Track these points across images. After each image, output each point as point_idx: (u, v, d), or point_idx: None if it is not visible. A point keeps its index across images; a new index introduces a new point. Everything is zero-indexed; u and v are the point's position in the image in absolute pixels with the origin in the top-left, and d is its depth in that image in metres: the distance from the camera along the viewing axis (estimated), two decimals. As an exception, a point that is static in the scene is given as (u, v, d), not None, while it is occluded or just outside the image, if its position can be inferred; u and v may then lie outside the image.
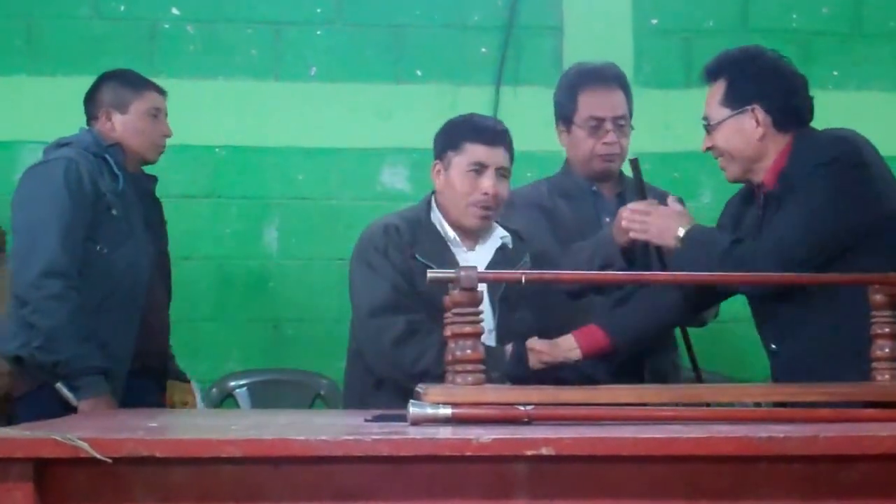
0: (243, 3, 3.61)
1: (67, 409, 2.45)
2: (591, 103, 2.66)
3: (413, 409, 1.51)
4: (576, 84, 2.70)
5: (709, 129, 2.21)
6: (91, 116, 2.79)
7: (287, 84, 3.60)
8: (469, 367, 1.62)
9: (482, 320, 1.67)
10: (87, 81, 3.47)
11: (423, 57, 3.54)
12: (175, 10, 3.59)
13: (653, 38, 3.61)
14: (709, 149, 2.23)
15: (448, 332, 1.65)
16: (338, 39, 3.60)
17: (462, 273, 1.63)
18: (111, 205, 2.62)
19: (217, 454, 1.30)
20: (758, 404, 1.70)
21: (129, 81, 2.79)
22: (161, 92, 2.81)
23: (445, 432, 1.42)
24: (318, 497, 1.34)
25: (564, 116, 2.72)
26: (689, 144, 3.58)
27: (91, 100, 2.81)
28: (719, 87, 2.19)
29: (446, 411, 1.50)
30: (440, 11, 3.60)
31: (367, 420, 1.67)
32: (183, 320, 3.40)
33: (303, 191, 3.54)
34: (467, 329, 1.63)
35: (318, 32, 3.62)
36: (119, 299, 2.60)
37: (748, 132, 2.15)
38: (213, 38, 3.59)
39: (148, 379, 2.70)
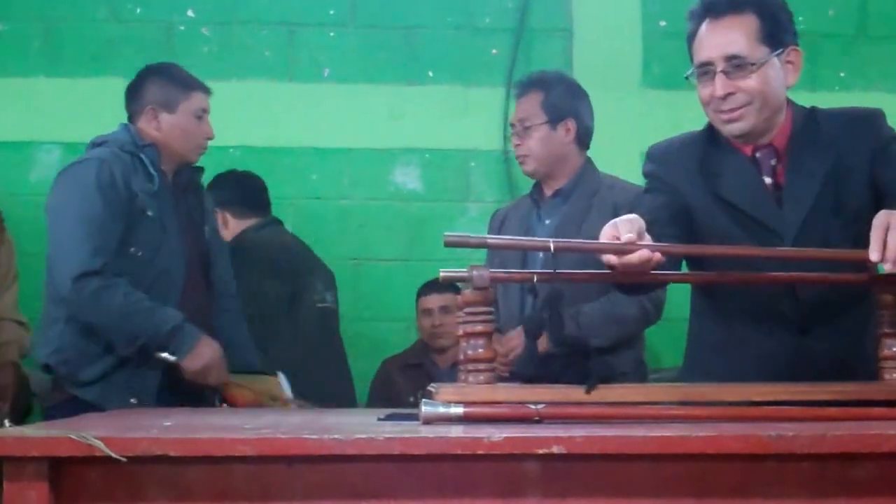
0: (257, 5, 3.63)
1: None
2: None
3: (425, 408, 1.52)
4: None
5: (738, 68, 1.85)
6: (134, 112, 2.72)
7: (300, 85, 3.63)
8: (481, 365, 1.63)
9: (494, 319, 1.68)
10: (104, 83, 3.51)
11: (435, 58, 3.56)
12: (190, 13, 3.62)
13: (661, 40, 3.62)
14: (728, 94, 1.86)
15: (460, 331, 1.66)
16: (350, 41, 3.63)
17: (474, 272, 1.64)
18: (146, 206, 2.57)
19: (231, 453, 1.31)
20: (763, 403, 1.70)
21: (178, 80, 2.71)
22: (207, 91, 2.75)
23: (457, 431, 1.43)
24: (330, 495, 1.35)
25: None
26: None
27: (135, 95, 2.73)
28: (749, 22, 1.85)
29: (458, 410, 1.51)
30: (451, 14, 3.62)
31: (379, 419, 1.68)
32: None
33: (316, 190, 3.57)
34: (479, 328, 1.63)
35: (332, 34, 3.64)
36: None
37: (783, 77, 1.87)
38: (228, 39, 3.62)
39: (180, 393, 2.59)
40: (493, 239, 1.64)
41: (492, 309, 1.67)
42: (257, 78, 3.61)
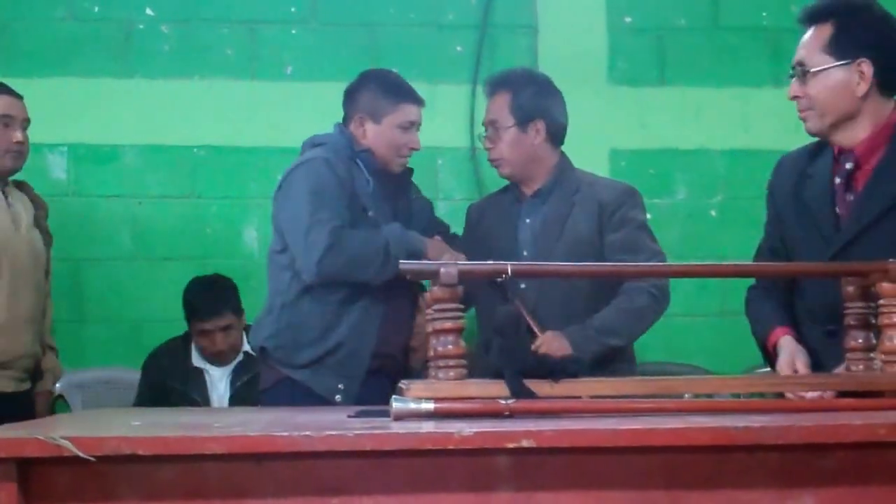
0: (218, 3, 3.60)
1: (308, 399, 2.52)
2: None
3: (396, 405, 1.52)
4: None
5: (802, 75, 2.00)
6: (347, 115, 2.75)
7: (263, 83, 3.60)
8: (451, 362, 1.63)
9: (463, 316, 1.69)
10: (62, 83, 3.46)
11: (399, 56, 3.54)
12: (149, 11, 3.58)
13: (626, 36, 3.64)
14: (797, 97, 2.02)
15: (429, 328, 1.66)
16: (313, 38, 3.60)
17: (442, 269, 1.65)
18: (367, 205, 2.64)
19: (201, 451, 1.30)
20: (735, 395, 1.73)
21: (390, 90, 2.72)
22: (418, 102, 2.74)
23: (428, 426, 1.43)
24: (302, 492, 1.35)
25: None
26: (664, 141, 3.64)
27: (350, 99, 2.76)
28: (823, 32, 1.98)
29: (428, 406, 1.51)
30: (415, 11, 3.61)
31: (350, 416, 1.68)
32: (163, 320, 3.40)
33: (281, 190, 3.55)
34: (448, 325, 1.64)
35: (294, 31, 3.62)
36: (363, 302, 2.61)
37: (850, 86, 1.97)
38: (188, 38, 3.58)
39: (384, 377, 2.63)
40: (449, 265, 1.65)
41: (461, 305, 1.68)
42: (219, 77, 3.57)
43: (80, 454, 1.26)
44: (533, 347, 2.46)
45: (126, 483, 1.31)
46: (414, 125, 2.73)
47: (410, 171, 2.82)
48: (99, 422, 1.69)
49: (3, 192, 2.86)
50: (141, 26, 3.56)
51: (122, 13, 3.56)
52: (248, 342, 2.89)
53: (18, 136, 2.85)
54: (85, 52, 3.52)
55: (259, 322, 2.72)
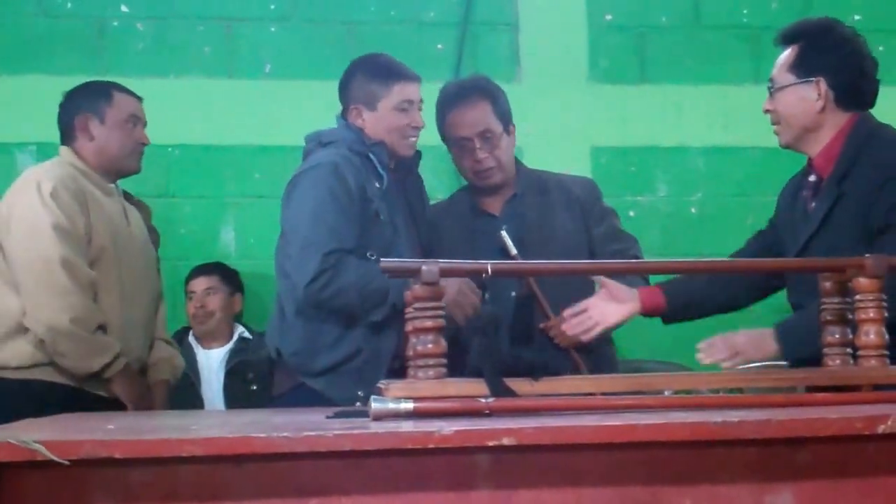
0: (194, 0, 3.58)
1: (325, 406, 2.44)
2: (455, 124, 2.70)
3: (375, 404, 1.52)
4: (443, 105, 2.74)
5: (772, 91, 2.24)
6: (345, 108, 2.65)
7: (241, 81, 3.59)
8: (430, 361, 1.63)
9: (443, 314, 1.68)
10: (32, 80, 3.44)
11: (379, 54, 3.54)
12: (124, 7, 3.56)
13: (607, 33, 3.66)
14: (768, 111, 2.26)
15: (409, 326, 1.66)
16: (292, 36, 3.60)
17: (423, 267, 1.64)
18: (379, 210, 2.53)
19: (178, 454, 1.29)
20: (714, 391, 1.73)
21: (379, 73, 2.60)
22: (413, 79, 2.61)
23: (407, 426, 1.42)
24: (281, 494, 1.34)
25: (442, 137, 2.76)
26: (645, 139, 3.66)
27: (342, 92, 2.66)
28: (791, 53, 2.22)
29: (408, 405, 1.50)
30: (395, 8, 3.61)
31: (328, 416, 1.67)
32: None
33: (259, 189, 3.52)
34: (428, 323, 1.64)
35: (272, 29, 3.61)
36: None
37: (808, 102, 2.18)
38: (164, 35, 3.56)
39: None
40: (430, 263, 1.65)
41: (442, 304, 1.67)
42: (195, 75, 3.56)
43: (54, 458, 1.24)
44: (542, 326, 2.54)
45: (101, 487, 1.29)
46: (413, 104, 2.61)
47: (418, 153, 2.72)
48: (73, 425, 1.67)
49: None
50: (115, 23, 3.54)
51: (96, 10, 3.53)
52: (267, 341, 2.78)
53: (146, 136, 2.75)
54: (57, 50, 3.49)
55: (272, 325, 2.64)
